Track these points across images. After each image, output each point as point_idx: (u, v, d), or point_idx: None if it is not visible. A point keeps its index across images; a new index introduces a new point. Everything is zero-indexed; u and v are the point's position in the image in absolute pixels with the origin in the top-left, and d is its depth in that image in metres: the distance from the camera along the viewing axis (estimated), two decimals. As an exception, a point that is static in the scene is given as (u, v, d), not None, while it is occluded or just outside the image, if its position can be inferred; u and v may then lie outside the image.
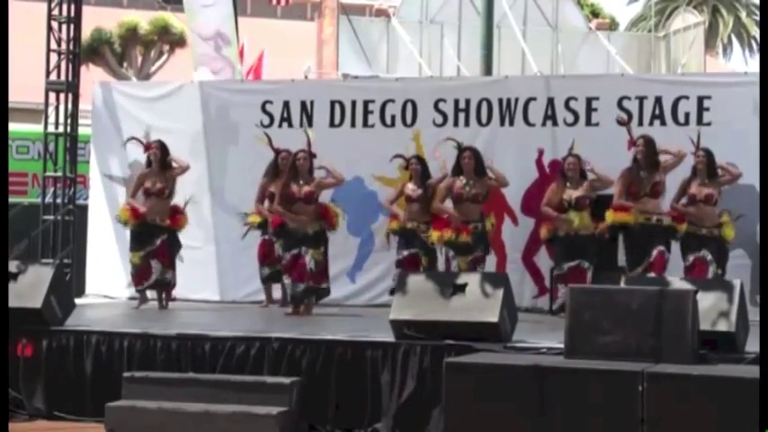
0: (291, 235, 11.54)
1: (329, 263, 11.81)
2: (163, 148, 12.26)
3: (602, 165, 11.63)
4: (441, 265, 11.74)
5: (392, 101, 12.97)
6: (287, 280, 11.58)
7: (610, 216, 11.31)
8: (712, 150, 11.34)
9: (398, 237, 12.04)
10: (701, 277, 10.86)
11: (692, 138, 11.40)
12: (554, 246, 11.73)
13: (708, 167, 11.27)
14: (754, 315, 9.36)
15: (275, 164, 12.25)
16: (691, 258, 11.19)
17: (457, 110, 12.75)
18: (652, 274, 10.85)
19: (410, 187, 12.04)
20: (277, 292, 12.47)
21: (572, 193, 11.57)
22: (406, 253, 11.91)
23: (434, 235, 11.64)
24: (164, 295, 12.27)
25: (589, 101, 12.38)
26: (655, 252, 11.19)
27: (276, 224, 11.70)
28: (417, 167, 12.05)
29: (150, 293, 12.36)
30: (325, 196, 12.53)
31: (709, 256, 11.13)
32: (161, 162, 12.20)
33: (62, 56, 13.79)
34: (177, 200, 12.29)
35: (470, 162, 11.66)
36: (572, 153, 11.66)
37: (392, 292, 11.97)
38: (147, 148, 12.35)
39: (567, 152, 11.72)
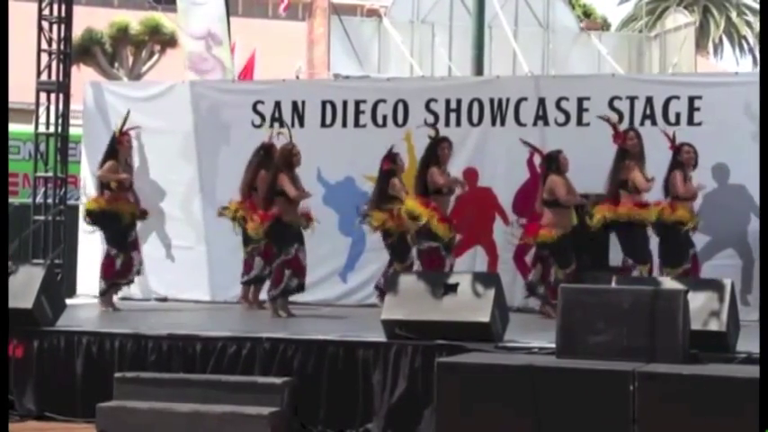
0: (289, 229, 11.42)
1: (320, 262, 11.83)
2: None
3: (592, 165, 11.63)
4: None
5: (383, 101, 12.96)
6: (288, 273, 11.33)
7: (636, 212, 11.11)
8: (706, 151, 11.36)
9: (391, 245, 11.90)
10: (697, 272, 10.88)
11: (666, 133, 11.35)
12: (561, 246, 11.55)
13: (695, 162, 11.25)
14: (744, 315, 9.39)
15: (270, 156, 12.07)
16: (690, 252, 11.17)
17: (448, 110, 12.75)
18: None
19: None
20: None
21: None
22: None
23: (439, 226, 11.34)
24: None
25: (580, 101, 12.37)
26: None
27: (272, 218, 11.49)
28: (402, 164, 12.00)
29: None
30: (316, 197, 12.54)
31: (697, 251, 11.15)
32: (128, 156, 12.26)
33: (53, 56, 13.76)
34: (171, 201, 12.26)
35: (449, 153, 11.64)
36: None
37: (377, 288, 11.96)
38: (121, 136, 12.26)
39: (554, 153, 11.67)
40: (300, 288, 11.49)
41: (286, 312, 11.42)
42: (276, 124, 12.95)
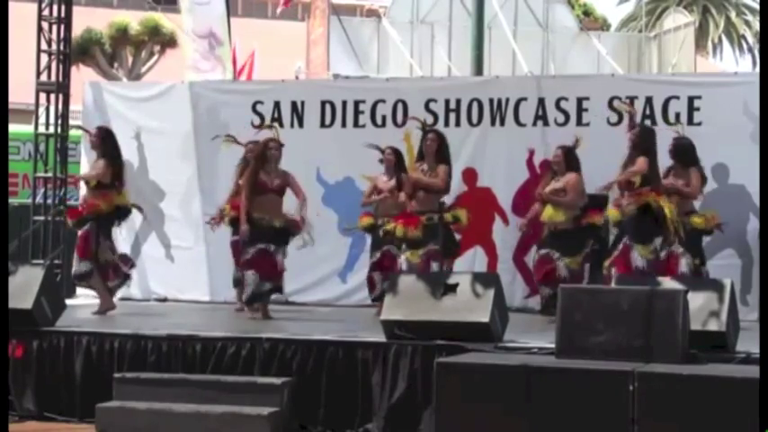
0: (255, 226, 10.84)
1: (319, 263, 11.77)
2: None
3: (592, 165, 11.61)
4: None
5: (383, 101, 12.96)
6: (252, 275, 10.87)
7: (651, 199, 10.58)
8: (706, 151, 11.29)
9: (371, 236, 11.77)
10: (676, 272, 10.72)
11: (674, 128, 11.29)
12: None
13: None
14: (744, 314, 9.40)
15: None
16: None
17: (448, 110, 12.75)
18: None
19: (382, 179, 11.67)
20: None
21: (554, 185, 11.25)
22: (378, 254, 11.52)
23: (399, 230, 10.99)
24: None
25: (580, 101, 12.39)
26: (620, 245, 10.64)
27: (234, 210, 11.18)
28: (391, 158, 11.60)
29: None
30: (315, 197, 12.53)
31: (681, 249, 10.84)
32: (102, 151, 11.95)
33: (52, 56, 13.76)
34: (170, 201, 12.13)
35: (432, 145, 11.17)
36: (560, 145, 11.45)
37: (374, 299, 11.55)
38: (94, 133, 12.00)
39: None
40: (276, 290, 11.02)
41: (261, 314, 11.00)
42: (277, 124, 12.95)
